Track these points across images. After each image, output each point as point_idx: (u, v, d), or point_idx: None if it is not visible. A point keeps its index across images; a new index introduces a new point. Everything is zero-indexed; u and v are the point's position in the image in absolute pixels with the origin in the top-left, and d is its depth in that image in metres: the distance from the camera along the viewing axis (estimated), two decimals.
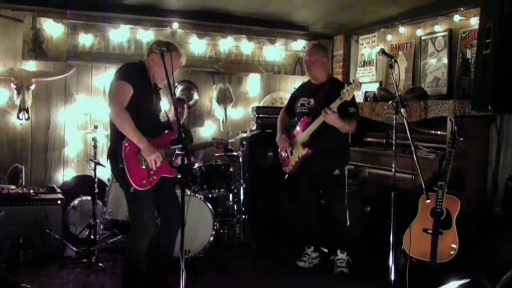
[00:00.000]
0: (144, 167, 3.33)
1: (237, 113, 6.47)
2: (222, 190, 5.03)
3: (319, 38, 6.62)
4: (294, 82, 6.57)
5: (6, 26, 5.42)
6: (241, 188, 5.20)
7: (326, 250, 4.66)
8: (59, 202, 4.70)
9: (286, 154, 4.58)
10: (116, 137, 3.34)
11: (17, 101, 5.34)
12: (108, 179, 5.11)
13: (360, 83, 4.18)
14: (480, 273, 3.54)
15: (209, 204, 4.69)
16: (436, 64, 5.18)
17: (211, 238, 4.62)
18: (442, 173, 3.87)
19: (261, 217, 5.59)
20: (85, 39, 5.65)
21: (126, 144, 3.29)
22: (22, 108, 5.34)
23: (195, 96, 6.28)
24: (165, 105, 5.00)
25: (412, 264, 3.57)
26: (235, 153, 5.20)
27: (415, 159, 3.18)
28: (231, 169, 5.11)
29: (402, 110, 3.29)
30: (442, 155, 4.19)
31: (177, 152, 3.03)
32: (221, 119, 6.33)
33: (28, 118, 5.42)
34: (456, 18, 4.88)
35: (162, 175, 3.43)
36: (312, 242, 4.59)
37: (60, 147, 5.72)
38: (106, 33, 5.71)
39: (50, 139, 5.67)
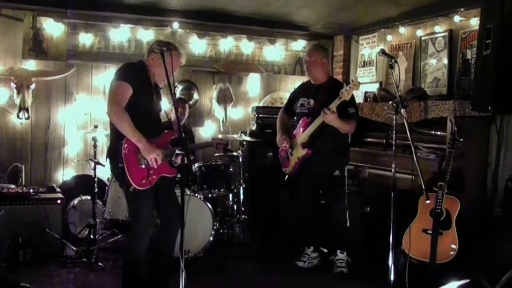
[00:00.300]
0: (143, 166, 3.33)
1: (237, 113, 6.47)
2: (222, 190, 5.03)
3: (319, 38, 6.62)
4: (294, 82, 6.56)
5: (6, 25, 5.42)
6: (241, 188, 5.21)
7: (325, 250, 4.67)
8: (58, 201, 4.69)
9: (286, 155, 4.58)
10: (116, 136, 3.34)
11: (17, 101, 5.33)
12: (108, 179, 5.11)
13: (359, 83, 4.17)
14: (480, 273, 3.53)
15: (209, 204, 4.69)
16: (436, 64, 5.17)
17: (211, 238, 4.62)
18: (442, 173, 3.86)
19: (261, 217, 5.59)
20: (85, 39, 5.65)
21: (126, 144, 3.29)
22: (22, 108, 5.34)
23: (195, 96, 6.28)
24: (166, 105, 5.00)
25: (412, 264, 3.58)
26: (235, 153, 5.21)
27: (415, 159, 3.18)
28: (231, 169, 5.10)
29: (402, 110, 3.29)
30: (442, 156, 4.18)
31: (177, 152, 3.03)
32: (221, 119, 6.32)
33: (28, 118, 5.42)
34: (456, 18, 4.88)
35: (162, 174, 3.43)
36: (312, 242, 4.59)
37: (60, 147, 5.72)
38: (106, 33, 5.72)
39: (50, 139, 5.66)
